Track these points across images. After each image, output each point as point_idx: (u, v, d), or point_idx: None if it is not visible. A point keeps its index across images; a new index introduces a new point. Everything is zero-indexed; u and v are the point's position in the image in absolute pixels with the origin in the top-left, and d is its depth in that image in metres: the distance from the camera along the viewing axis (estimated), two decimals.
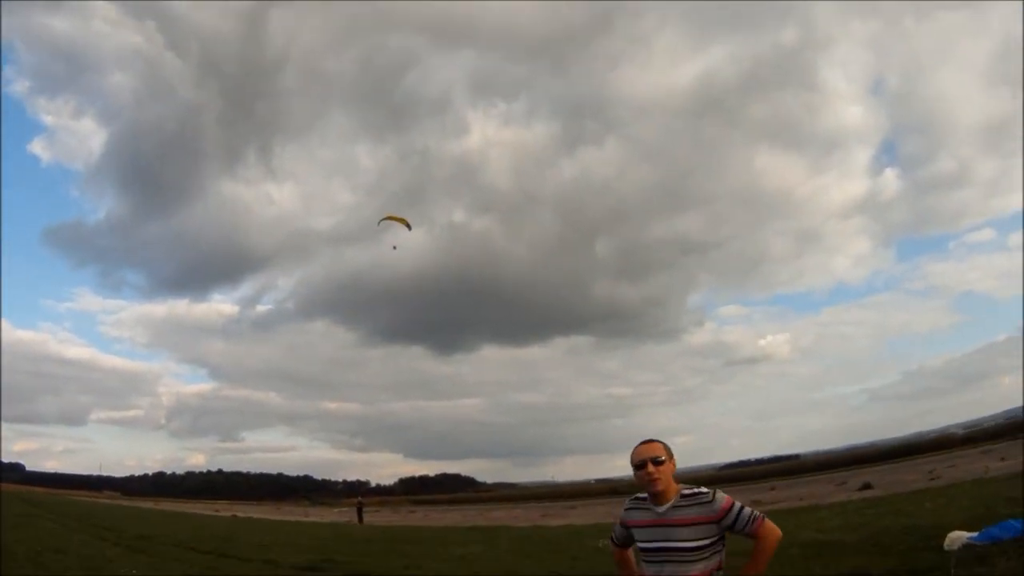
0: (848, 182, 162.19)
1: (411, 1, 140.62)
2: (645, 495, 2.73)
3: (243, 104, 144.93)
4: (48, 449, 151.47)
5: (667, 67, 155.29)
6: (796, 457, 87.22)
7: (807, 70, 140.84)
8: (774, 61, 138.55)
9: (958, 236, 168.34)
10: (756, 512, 2.60)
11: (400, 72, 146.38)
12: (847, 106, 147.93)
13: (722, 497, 2.60)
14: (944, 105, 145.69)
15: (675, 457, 2.72)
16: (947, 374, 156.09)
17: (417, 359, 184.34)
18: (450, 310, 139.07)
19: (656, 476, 2.64)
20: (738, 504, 2.59)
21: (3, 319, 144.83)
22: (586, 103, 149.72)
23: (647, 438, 2.73)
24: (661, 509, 2.64)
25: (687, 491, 2.64)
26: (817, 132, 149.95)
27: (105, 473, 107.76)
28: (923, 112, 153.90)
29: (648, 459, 2.67)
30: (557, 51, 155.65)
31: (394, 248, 28.48)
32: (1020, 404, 65.91)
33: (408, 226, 25.70)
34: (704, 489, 2.65)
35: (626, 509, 2.83)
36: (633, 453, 2.73)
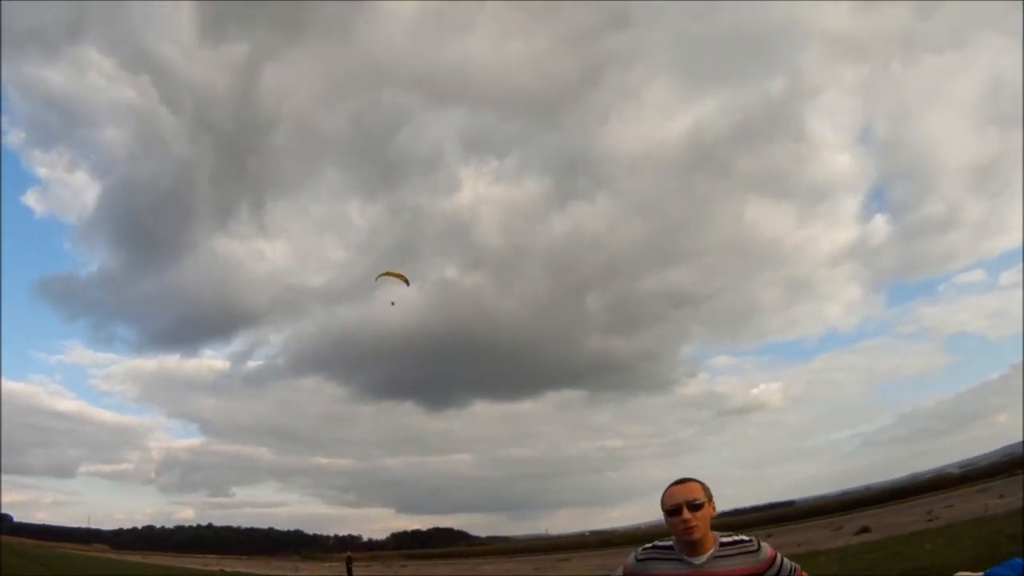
0: (837, 230, 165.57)
1: (404, 59, 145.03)
2: (667, 543, 2.39)
3: (236, 160, 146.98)
4: (37, 501, 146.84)
5: (657, 120, 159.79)
6: (791, 504, 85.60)
7: (795, 120, 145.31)
8: (763, 112, 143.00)
9: (948, 278, 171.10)
10: (794, 563, 2.38)
11: (392, 129, 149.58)
12: (835, 155, 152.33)
13: (766, 546, 2.34)
14: (932, 149, 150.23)
15: (714, 499, 2.38)
16: (941, 415, 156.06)
17: (409, 414, 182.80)
18: (442, 366, 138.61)
19: (694, 523, 2.28)
20: (779, 553, 2.36)
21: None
22: (577, 158, 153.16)
23: (680, 477, 2.40)
24: (699, 560, 2.30)
25: (726, 539, 2.35)
26: (805, 182, 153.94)
27: (94, 526, 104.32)
28: (911, 157, 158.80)
29: (684, 503, 2.30)
30: (548, 107, 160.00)
31: (392, 304, 28.97)
32: (1020, 440, 65.88)
33: (406, 281, 26.18)
34: (745, 536, 2.37)
35: (640, 560, 2.41)
36: (664, 496, 2.37)
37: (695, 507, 2.30)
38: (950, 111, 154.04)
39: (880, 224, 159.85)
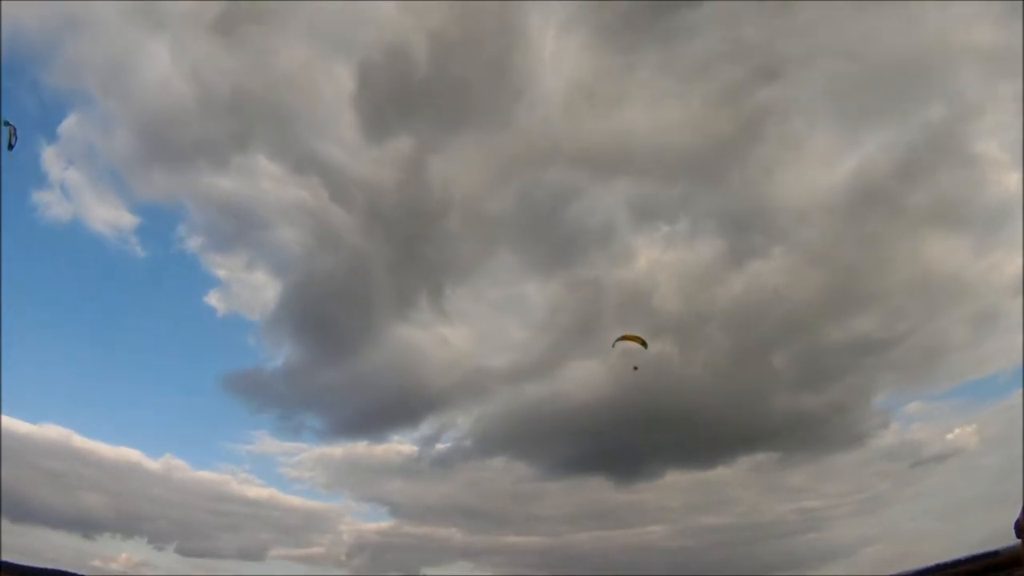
0: (1019, 254, 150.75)
1: (563, 137, 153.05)
2: None
3: (410, 249, 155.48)
4: None
5: (821, 167, 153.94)
6: (995, 554, 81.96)
7: (960, 145, 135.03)
8: (925, 142, 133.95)
9: None
10: None
11: (560, 207, 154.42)
12: (1006, 174, 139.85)
13: None
14: None
15: None
16: None
17: (598, 490, 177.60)
18: (629, 437, 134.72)
19: None
20: None
21: (182, 460, 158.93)
22: (745, 215, 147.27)
23: None
24: None
25: None
26: (980, 208, 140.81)
27: None
28: None
29: None
30: (709, 167, 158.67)
31: (635, 369, 28.24)
32: None
33: (644, 344, 30.75)
34: None
35: None
36: None
37: None
38: None
39: None
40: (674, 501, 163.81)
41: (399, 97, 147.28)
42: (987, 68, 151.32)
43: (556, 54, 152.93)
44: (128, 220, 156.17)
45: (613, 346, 26.62)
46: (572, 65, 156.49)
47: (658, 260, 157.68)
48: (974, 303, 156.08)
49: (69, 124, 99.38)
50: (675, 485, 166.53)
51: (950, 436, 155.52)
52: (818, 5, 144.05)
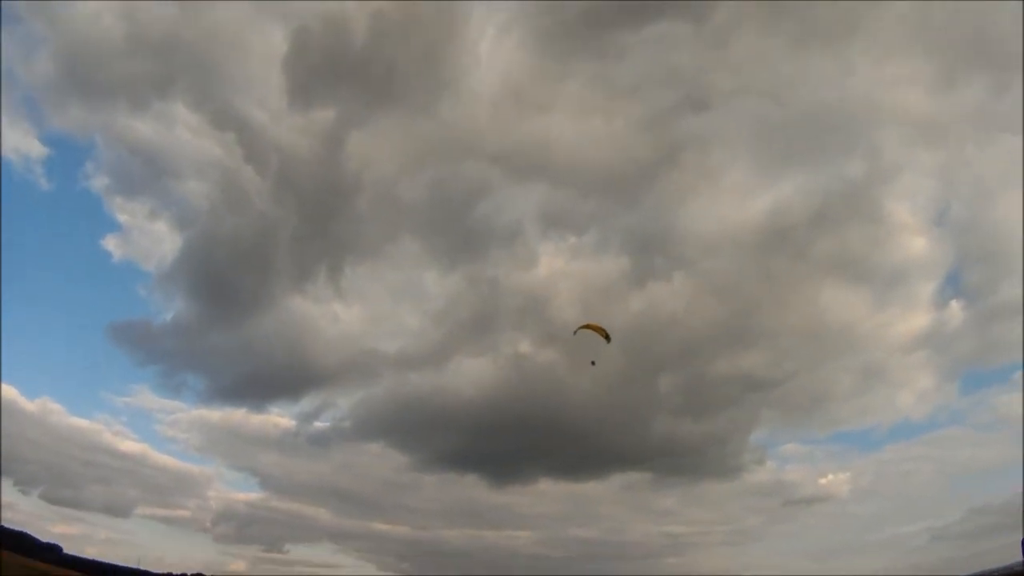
0: (913, 315, 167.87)
1: (485, 135, 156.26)
2: None
3: (317, 222, 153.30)
4: (89, 536, 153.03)
5: (735, 202, 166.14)
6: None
7: (873, 202, 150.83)
8: (841, 194, 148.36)
9: None
10: None
11: (472, 201, 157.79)
12: (912, 238, 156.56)
13: None
14: (1008, 231, 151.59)
15: None
16: (1014, 509, 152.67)
17: (471, 487, 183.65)
18: (509, 440, 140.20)
19: None
20: None
21: (59, 404, 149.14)
22: (654, 238, 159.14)
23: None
24: None
25: None
26: (882, 265, 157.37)
27: (143, 567, 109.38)
28: (987, 240, 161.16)
29: None
30: (626, 186, 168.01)
31: (592, 363, 28.64)
32: None
33: (607, 337, 30.70)
34: None
35: None
36: None
37: None
38: None
39: (956, 310, 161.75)
40: (544, 509, 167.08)
41: (330, 68, 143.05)
42: (911, 132, 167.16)
43: (492, 51, 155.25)
44: (37, 149, 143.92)
45: (575, 333, 25.60)
46: (505, 64, 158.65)
47: (561, 269, 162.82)
48: (862, 356, 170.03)
49: None
50: (547, 493, 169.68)
51: (823, 481, 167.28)
52: (755, 41, 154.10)
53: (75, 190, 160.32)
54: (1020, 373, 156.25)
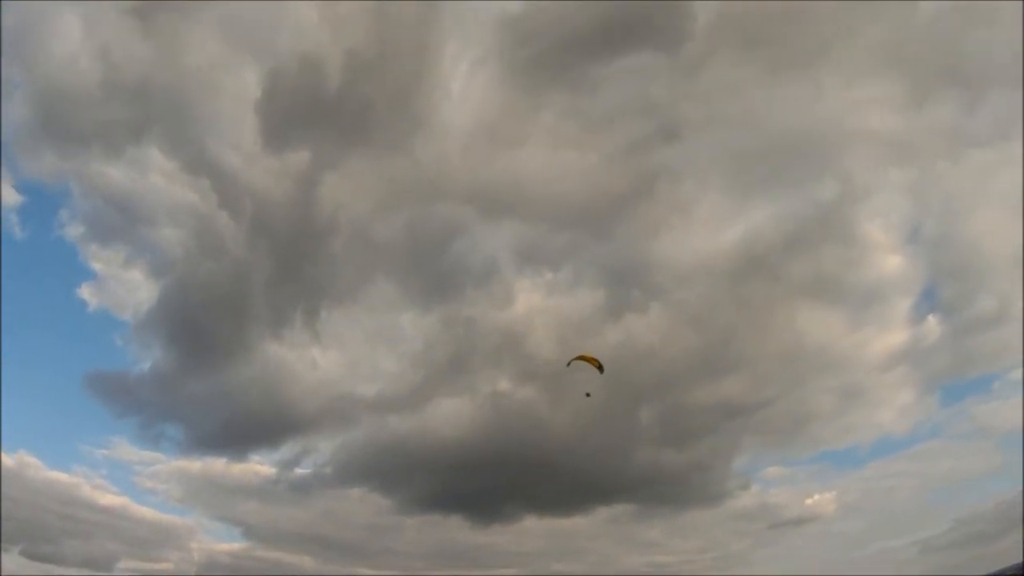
0: (889, 333, 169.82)
1: (457, 174, 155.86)
2: None
3: (292, 266, 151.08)
4: None
5: (708, 231, 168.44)
6: None
7: (845, 224, 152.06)
8: (813, 217, 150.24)
9: (1002, 375, 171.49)
10: None
11: (446, 242, 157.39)
12: (886, 256, 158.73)
13: None
14: (980, 244, 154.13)
15: None
16: (999, 516, 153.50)
17: (455, 528, 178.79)
18: (491, 479, 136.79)
19: None
20: None
21: (36, 458, 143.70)
22: (629, 270, 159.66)
23: None
24: None
25: None
26: (857, 286, 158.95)
27: None
28: (961, 254, 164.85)
29: None
30: (599, 219, 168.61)
31: (587, 395, 28.06)
32: None
33: (601, 369, 29.91)
34: None
35: None
36: None
37: None
38: (997, 205, 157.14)
39: (932, 325, 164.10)
40: (529, 546, 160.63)
41: (304, 110, 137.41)
42: (880, 153, 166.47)
43: (464, 88, 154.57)
44: (12, 197, 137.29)
45: (568, 365, 25.84)
46: (478, 100, 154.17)
47: (538, 306, 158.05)
48: (841, 376, 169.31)
49: None
50: (531, 530, 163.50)
51: (809, 501, 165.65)
52: (725, 71, 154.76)
53: (50, 238, 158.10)
54: (998, 383, 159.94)
